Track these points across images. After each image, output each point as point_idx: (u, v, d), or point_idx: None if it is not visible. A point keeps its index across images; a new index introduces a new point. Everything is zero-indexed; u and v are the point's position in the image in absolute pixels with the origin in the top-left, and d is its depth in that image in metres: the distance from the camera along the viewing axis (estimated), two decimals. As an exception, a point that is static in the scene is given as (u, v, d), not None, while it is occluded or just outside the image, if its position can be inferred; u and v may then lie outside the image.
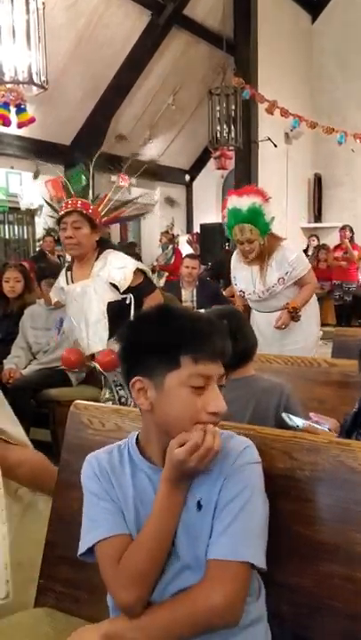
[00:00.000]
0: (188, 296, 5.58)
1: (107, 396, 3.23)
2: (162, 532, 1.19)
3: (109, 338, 3.08)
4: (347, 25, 11.39)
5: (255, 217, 3.59)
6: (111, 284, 3.05)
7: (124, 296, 3.09)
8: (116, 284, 3.05)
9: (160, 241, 10.89)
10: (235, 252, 3.98)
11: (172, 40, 9.97)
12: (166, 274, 9.80)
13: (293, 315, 3.67)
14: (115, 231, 12.09)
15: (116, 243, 11.77)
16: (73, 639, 1.22)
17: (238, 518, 1.17)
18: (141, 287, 3.15)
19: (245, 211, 3.58)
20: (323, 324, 8.87)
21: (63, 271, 3.32)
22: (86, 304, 3.09)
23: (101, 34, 8.85)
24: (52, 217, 3.71)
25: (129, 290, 3.09)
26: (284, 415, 1.91)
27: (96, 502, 1.27)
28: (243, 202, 3.62)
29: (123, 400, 3.16)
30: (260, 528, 1.20)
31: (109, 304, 3.05)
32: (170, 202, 12.46)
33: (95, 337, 3.09)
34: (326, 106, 11.25)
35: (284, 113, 8.68)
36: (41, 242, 9.43)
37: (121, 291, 3.07)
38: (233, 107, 8.63)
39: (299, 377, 2.46)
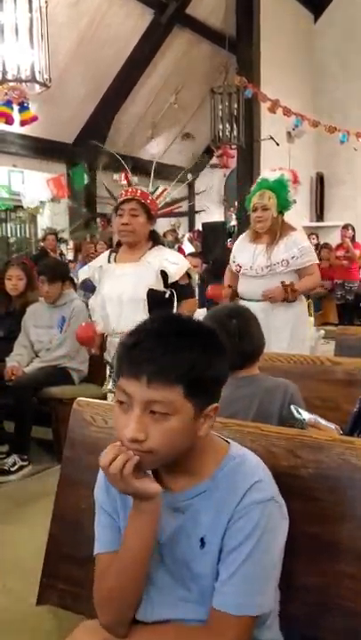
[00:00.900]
0: (189, 295, 5.56)
1: (109, 386, 3.23)
2: (130, 556, 1.15)
3: None
4: (349, 24, 11.38)
5: (279, 187, 3.66)
6: (161, 272, 3.10)
7: (165, 290, 3.13)
8: (168, 272, 3.11)
9: (165, 238, 10.87)
10: (241, 235, 4.01)
11: (174, 39, 9.97)
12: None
13: (287, 292, 3.55)
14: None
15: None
16: (76, 635, 1.23)
17: (243, 567, 1.11)
18: (184, 288, 3.22)
19: (272, 180, 3.68)
20: (325, 323, 8.89)
21: (106, 252, 3.39)
22: (127, 283, 3.10)
23: (104, 32, 8.85)
24: (108, 204, 3.64)
25: (172, 286, 3.15)
26: (292, 407, 1.90)
27: (100, 513, 1.26)
28: (273, 174, 3.72)
29: None
30: (268, 571, 1.14)
31: (150, 290, 3.07)
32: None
33: (130, 316, 3.00)
34: (328, 105, 11.23)
35: (287, 112, 8.67)
36: (44, 241, 9.45)
37: (169, 282, 3.12)
38: (235, 105, 8.63)
39: (302, 375, 2.45)
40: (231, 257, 3.94)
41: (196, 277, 3.23)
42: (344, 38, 11.50)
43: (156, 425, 1.07)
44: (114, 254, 3.28)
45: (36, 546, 2.65)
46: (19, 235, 10.11)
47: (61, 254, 9.20)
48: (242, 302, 3.72)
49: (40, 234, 9.88)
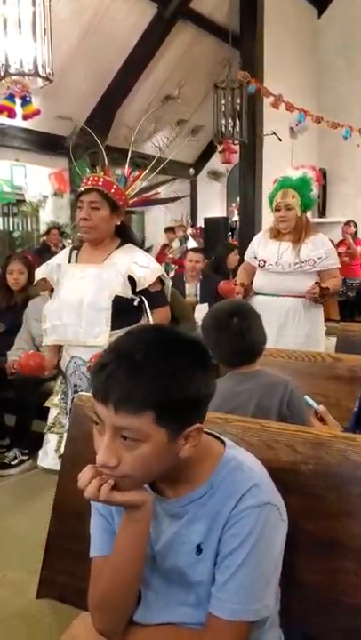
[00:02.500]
0: (191, 290, 5.56)
1: (55, 400, 2.96)
2: (121, 563, 1.14)
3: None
4: (353, 20, 11.32)
5: (302, 186, 3.59)
6: (129, 277, 2.74)
7: (134, 297, 2.78)
8: (136, 279, 2.74)
9: (172, 231, 10.78)
10: (260, 232, 3.93)
11: (177, 34, 9.93)
12: (176, 267, 9.79)
13: (323, 292, 3.49)
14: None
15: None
16: (74, 626, 1.23)
17: (239, 572, 1.09)
18: (155, 296, 2.83)
19: (295, 179, 3.61)
20: (326, 320, 8.86)
21: (67, 249, 3.00)
22: (87, 288, 2.73)
23: (107, 27, 8.82)
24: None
25: (142, 293, 2.80)
26: (306, 397, 1.88)
27: (95, 516, 1.26)
28: (296, 173, 3.65)
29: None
30: (266, 575, 1.12)
31: (115, 297, 2.71)
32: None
33: (92, 328, 2.71)
34: (331, 101, 11.19)
35: (290, 107, 8.63)
36: (46, 235, 9.43)
37: (137, 289, 2.76)
38: (238, 101, 8.60)
39: (303, 371, 2.46)
40: (250, 253, 3.86)
41: (169, 284, 2.98)
42: (348, 34, 11.46)
43: (127, 451, 1.04)
44: (75, 252, 2.91)
45: (37, 539, 2.66)
46: (21, 229, 10.10)
47: (63, 248, 9.19)
48: (258, 297, 3.74)
49: (43, 228, 9.86)
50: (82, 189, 2.80)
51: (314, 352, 2.62)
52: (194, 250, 6.26)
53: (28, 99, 5.65)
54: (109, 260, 2.78)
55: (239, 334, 2.04)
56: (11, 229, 9.98)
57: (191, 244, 10.45)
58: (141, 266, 2.77)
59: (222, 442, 1.22)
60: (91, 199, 2.74)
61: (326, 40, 11.81)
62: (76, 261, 2.87)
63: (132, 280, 2.75)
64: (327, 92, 11.59)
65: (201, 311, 5.15)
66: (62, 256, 2.95)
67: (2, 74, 5.02)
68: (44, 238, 9.38)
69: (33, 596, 1.61)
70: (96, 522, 1.24)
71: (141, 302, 2.81)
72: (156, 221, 12.38)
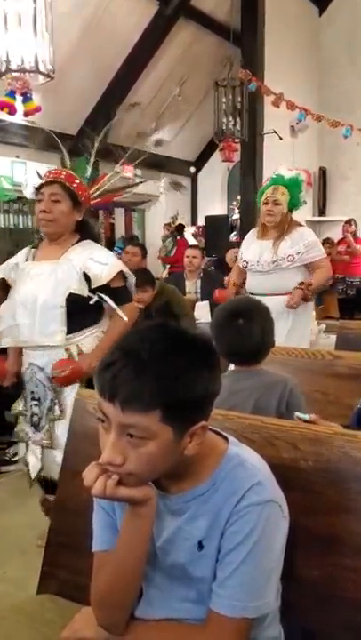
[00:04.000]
0: (191, 287, 5.56)
1: (19, 408, 2.86)
2: (124, 558, 1.15)
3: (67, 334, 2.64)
4: (354, 18, 11.32)
5: (293, 185, 3.71)
6: (84, 274, 2.63)
7: (91, 295, 2.65)
8: (90, 276, 2.62)
9: (165, 231, 10.82)
10: (250, 232, 4.04)
11: (179, 31, 9.92)
12: (169, 265, 9.79)
13: (306, 292, 3.56)
14: (119, 222, 12.07)
15: (122, 234, 11.77)
16: (76, 621, 1.24)
17: (240, 569, 1.10)
18: (117, 293, 2.71)
19: (287, 178, 3.73)
20: (326, 317, 8.89)
21: (27, 248, 2.90)
22: (43, 286, 2.62)
23: (108, 23, 8.81)
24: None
25: (102, 291, 2.67)
26: (296, 414, 1.89)
27: (98, 511, 1.26)
28: (289, 172, 3.78)
29: (35, 420, 2.73)
30: (267, 573, 1.13)
31: (70, 295, 2.60)
32: (175, 185, 12.05)
33: (46, 327, 2.60)
34: (333, 99, 11.19)
35: (291, 106, 8.63)
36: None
37: (92, 285, 2.63)
38: (239, 99, 8.61)
39: (303, 369, 2.46)
40: (239, 254, 3.99)
41: (132, 280, 2.83)
42: (349, 31, 11.46)
43: (133, 449, 1.04)
44: (33, 250, 2.82)
45: (37, 535, 2.67)
46: (21, 226, 10.10)
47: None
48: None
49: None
50: (43, 181, 2.74)
51: (314, 350, 2.63)
52: (191, 246, 6.27)
53: (28, 95, 5.64)
54: (66, 256, 2.68)
55: (238, 335, 2.04)
56: (11, 226, 9.97)
57: (191, 241, 10.47)
58: (98, 262, 2.66)
59: (225, 438, 1.23)
60: (52, 191, 2.67)
61: (327, 38, 11.81)
62: (34, 259, 2.79)
63: (88, 277, 2.65)
64: (329, 89, 11.59)
65: (201, 309, 5.15)
66: (21, 255, 2.87)
67: (2, 70, 5.01)
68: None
69: (33, 591, 1.62)
70: (98, 516, 1.25)
71: (99, 301, 2.69)
72: (155, 220, 12.37)
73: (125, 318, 2.67)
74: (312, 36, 11.75)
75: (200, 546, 1.15)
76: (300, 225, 3.81)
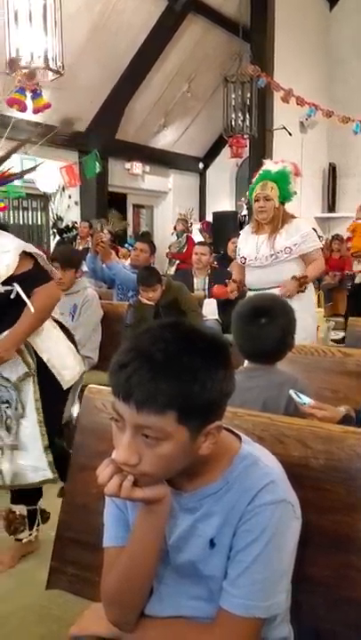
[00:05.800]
0: (199, 284, 5.56)
1: None
2: (136, 555, 1.14)
3: None
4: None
5: (281, 179, 3.73)
6: None
7: (8, 288, 2.39)
8: None
9: (175, 228, 10.82)
10: (244, 228, 4.09)
11: (188, 27, 9.91)
12: (177, 262, 9.78)
13: (300, 282, 3.60)
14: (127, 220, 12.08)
15: (130, 231, 11.77)
16: (85, 617, 1.24)
17: (252, 568, 1.08)
18: (30, 277, 2.42)
19: (274, 172, 3.75)
20: (334, 315, 8.87)
21: None
22: None
23: (117, 20, 8.81)
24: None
25: (13, 280, 2.39)
26: (291, 392, 1.89)
27: (109, 505, 1.25)
28: (275, 166, 3.80)
29: (8, 422, 2.60)
30: (278, 573, 1.11)
31: None
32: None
33: None
34: (343, 95, 11.15)
35: (300, 101, 8.61)
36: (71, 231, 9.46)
37: (1, 280, 2.37)
38: (248, 95, 8.60)
39: (312, 366, 2.45)
40: (237, 250, 4.01)
41: (43, 256, 2.52)
42: (360, 27, 11.39)
43: (148, 449, 1.03)
44: None
45: (46, 530, 2.67)
46: (31, 222, 10.13)
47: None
48: (250, 293, 3.82)
49: (57, 222, 9.90)
50: None
51: (324, 347, 2.62)
52: (200, 243, 6.27)
53: (38, 92, 5.65)
54: None
55: (258, 334, 2.03)
56: (21, 223, 10.01)
57: (198, 238, 10.46)
58: (3, 251, 2.39)
59: (238, 437, 1.22)
60: None
61: (338, 33, 11.76)
62: None
63: None
64: (339, 85, 11.55)
65: (209, 305, 5.14)
66: None
67: (13, 67, 5.02)
68: (69, 234, 9.35)
69: (43, 586, 1.62)
70: (110, 511, 1.24)
71: (19, 293, 2.42)
72: (164, 216, 12.37)
73: (33, 310, 2.43)
74: (322, 32, 11.70)
75: (212, 544, 1.14)
76: (294, 217, 3.83)
